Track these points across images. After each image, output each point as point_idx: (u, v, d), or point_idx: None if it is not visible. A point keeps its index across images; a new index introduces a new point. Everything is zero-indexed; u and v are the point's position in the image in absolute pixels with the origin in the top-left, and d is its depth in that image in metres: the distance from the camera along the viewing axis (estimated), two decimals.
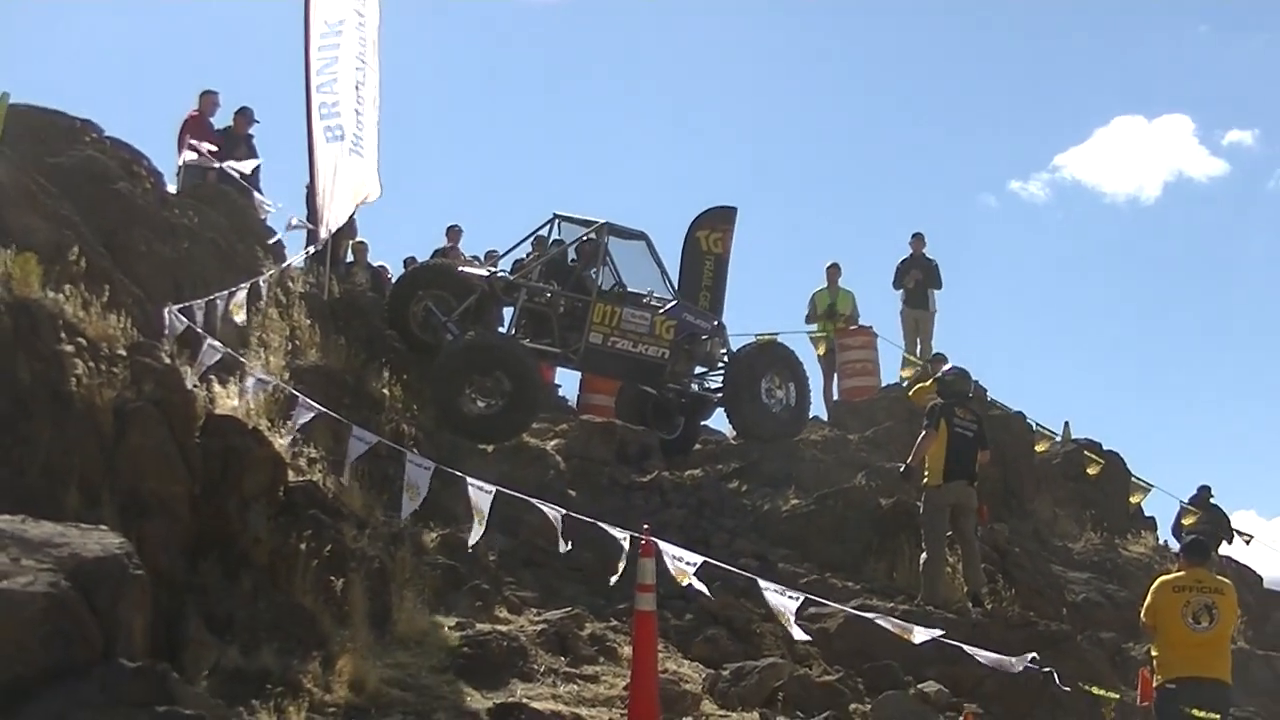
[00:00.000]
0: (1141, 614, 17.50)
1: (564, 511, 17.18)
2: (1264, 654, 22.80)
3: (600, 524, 16.85)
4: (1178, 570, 17.46)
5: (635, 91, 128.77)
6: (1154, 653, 17.05)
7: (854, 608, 18.25)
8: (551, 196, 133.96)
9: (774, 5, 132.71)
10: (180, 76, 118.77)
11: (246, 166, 27.33)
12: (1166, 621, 16.71)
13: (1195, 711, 16.15)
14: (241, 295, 20.92)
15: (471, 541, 16.81)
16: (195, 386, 16.64)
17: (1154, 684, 16.84)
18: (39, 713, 11.09)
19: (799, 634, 16.13)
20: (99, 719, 11.01)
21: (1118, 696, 17.18)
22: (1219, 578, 17.73)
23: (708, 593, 15.89)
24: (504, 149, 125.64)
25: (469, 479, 16.95)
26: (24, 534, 12.14)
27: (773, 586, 16.50)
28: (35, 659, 11.38)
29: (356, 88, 24.64)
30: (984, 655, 16.10)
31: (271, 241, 24.28)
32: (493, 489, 16.65)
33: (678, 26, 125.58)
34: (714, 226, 29.31)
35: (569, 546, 16.68)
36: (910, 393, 25.98)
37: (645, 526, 15.90)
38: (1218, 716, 16.31)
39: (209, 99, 28.24)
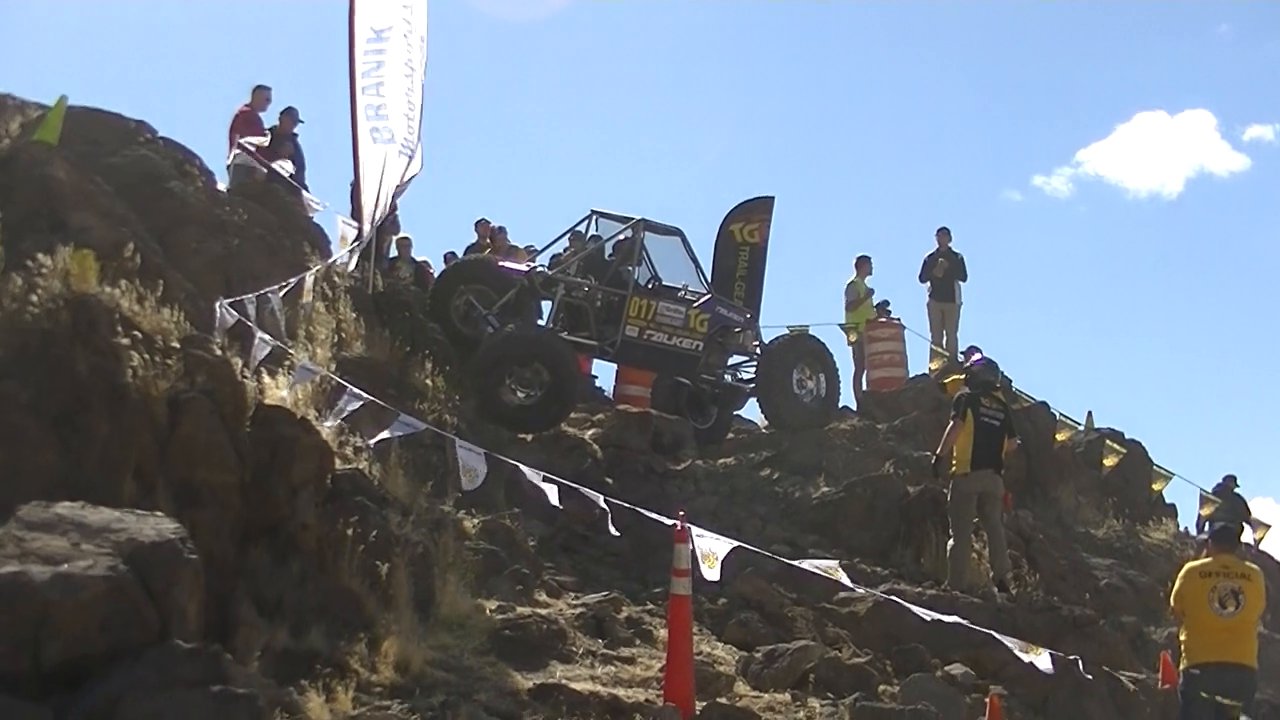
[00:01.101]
0: (1170, 599, 17.55)
1: (602, 498, 17.31)
2: None
3: (640, 509, 16.98)
4: (1206, 556, 17.47)
5: (665, 90, 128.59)
6: (1181, 637, 17.06)
7: (882, 593, 18.31)
8: (586, 192, 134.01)
9: (805, 4, 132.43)
10: (228, 77, 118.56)
11: (290, 167, 27.46)
12: (1193, 607, 16.75)
13: (1217, 698, 16.23)
14: (305, 281, 21.11)
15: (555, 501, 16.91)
16: (245, 378, 16.72)
17: (1179, 668, 16.89)
18: (98, 692, 11.19)
19: (845, 580, 16.44)
20: (155, 698, 11.10)
21: (1140, 679, 17.23)
22: (1247, 564, 17.68)
23: (714, 576, 15.88)
24: (541, 145, 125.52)
25: (521, 465, 17.11)
26: (83, 520, 12.25)
27: (810, 563, 16.75)
28: (94, 640, 11.49)
29: (406, 93, 24.73)
30: (1012, 642, 16.24)
31: (338, 265, 24.28)
32: (538, 473, 16.79)
33: (708, 25, 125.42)
34: (749, 218, 29.65)
35: (618, 534, 16.76)
36: (945, 383, 26.00)
37: (680, 514, 15.98)
38: (1240, 704, 16.38)
39: (261, 94, 28.36)
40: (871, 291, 33.89)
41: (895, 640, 18.39)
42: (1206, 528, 21.36)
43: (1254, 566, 17.85)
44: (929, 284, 33.43)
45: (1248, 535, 29.85)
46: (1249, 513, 31.58)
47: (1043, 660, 16.30)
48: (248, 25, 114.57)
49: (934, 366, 32.90)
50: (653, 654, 16.44)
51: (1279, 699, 19.74)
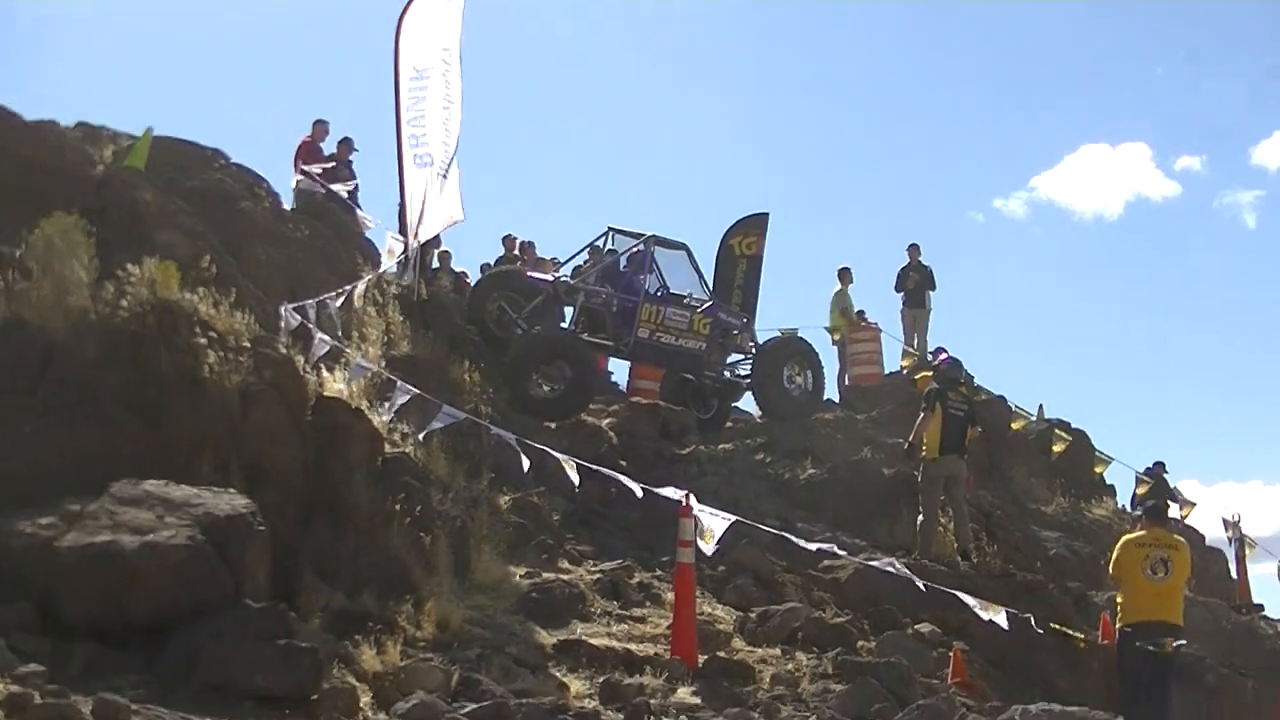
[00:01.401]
0: (1110, 567, 17.68)
1: (620, 477, 17.43)
2: (1204, 600, 22.83)
3: (652, 489, 17.08)
4: (1140, 530, 17.61)
5: (671, 120, 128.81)
6: (1118, 600, 17.20)
7: (861, 560, 18.38)
8: (601, 210, 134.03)
9: (785, 42, 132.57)
10: (292, 111, 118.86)
11: (346, 188, 27.64)
12: (1129, 574, 16.89)
13: (1149, 647, 16.39)
14: (358, 289, 21.23)
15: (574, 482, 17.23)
16: (306, 373, 16.79)
17: (1117, 626, 17.02)
18: (181, 643, 11.35)
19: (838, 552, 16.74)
20: (231, 649, 11.21)
21: (1083, 636, 17.32)
22: (1175, 536, 17.92)
23: (709, 550, 15.95)
24: (562, 167, 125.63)
25: (550, 450, 17.27)
26: (167, 496, 12.38)
27: (800, 540, 16.86)
28: (177, 598, 11.63)
29: (444, 124, 24.84)
30: (974, 602, 16.33)
31: (387, 275, 24.35)
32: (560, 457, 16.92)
33: (707, 69, 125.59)
34: (746, 232, 29.89)
35: (640, 494, 16.81)
36: (916, 379, 26.14)
37: (686, 492, 16.07)
38: (1169, 647, 16.55)
39: (320, 127, 28.54)
40: (850, 299, 34.00)
41: (872, 602, 18.45)
42: (1140, 506, 21.45)
43: (1181, 539, 18.11)
44: (902, 293, 33.52)
45: (1174, 512, 29.89)
46: (1176, 492, 31.64)
47: (1000, 617, 16.42)
48: (309, 65, 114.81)
49: (906, 364, 33.00)
50: (661, 614, 16.51)
51: (1200, 652, 19.76)
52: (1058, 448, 31.82)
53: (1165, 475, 31.82)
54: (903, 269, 33.58)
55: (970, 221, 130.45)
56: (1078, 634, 17.47)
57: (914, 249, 33.74)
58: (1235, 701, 19.49)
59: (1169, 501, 29.70)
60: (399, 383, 17.80)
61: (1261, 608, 26.84)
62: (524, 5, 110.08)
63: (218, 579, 12.03)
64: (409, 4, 24.77)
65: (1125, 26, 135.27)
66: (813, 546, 17.28)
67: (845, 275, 34.09)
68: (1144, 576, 16.72)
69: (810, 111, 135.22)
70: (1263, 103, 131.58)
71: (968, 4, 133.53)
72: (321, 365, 17.55)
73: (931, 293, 33.65)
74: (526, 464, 17.45)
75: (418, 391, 17.78)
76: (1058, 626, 17.50)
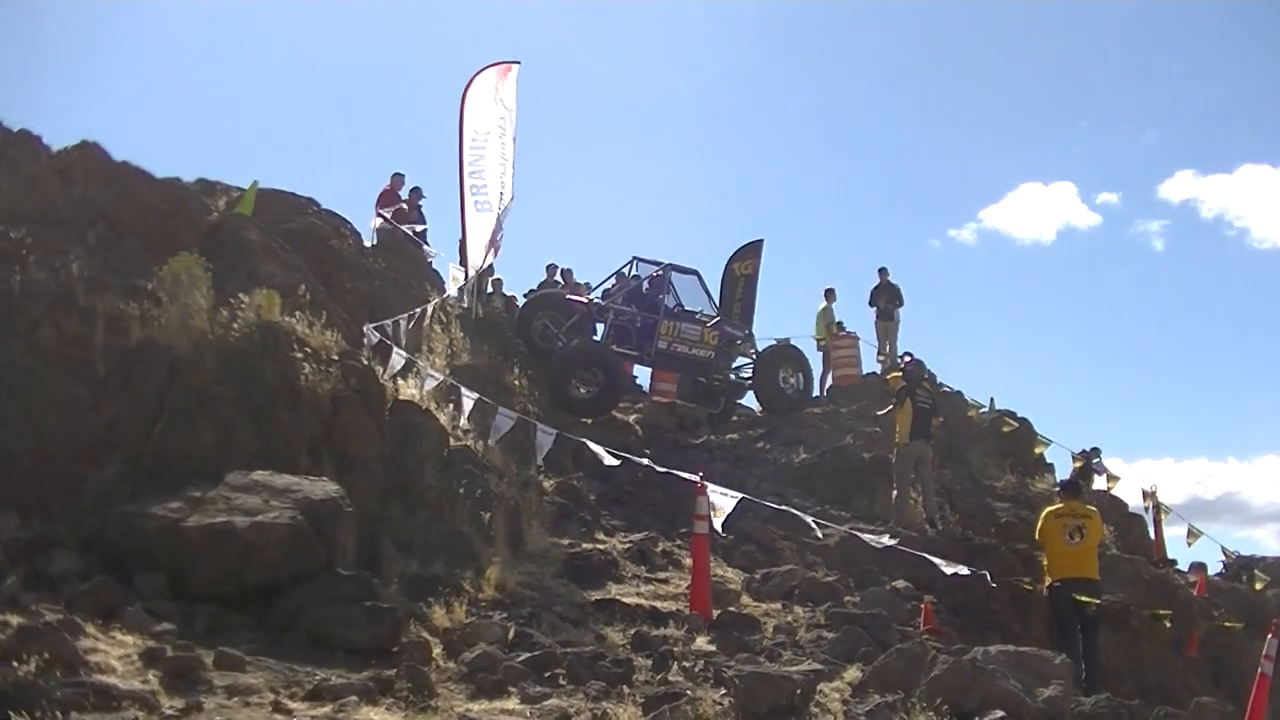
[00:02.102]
0: (1036, 534, 17.78)
1: (647, 463, 17.48)
2: (1128, 557, 22.74)
3: (672, 472, 17.11)
4: (1059, 503, 17.72)
5: (682, 166, 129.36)
6: (1044, 561, 17.32)
7: (847, 530, 18.34)
8: (626, 242, 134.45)
9: (777, 93, 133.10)
10: (374, 165, 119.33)
11: (416, 229, 27.73)
12: (1051, 540, 17.24)
13: (1077, 597, 16.47)
14: (427, 311, 21.28)
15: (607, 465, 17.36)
16: (385, 381, 16.82)
17: (1045, 582, 17.11)
18: (284, 604, 11.39)
19: (818, 531, 16.84)
20: (324, 609, 11.23)
21: (1032, 588, 17.33)
22: (1088, 506, 18.21)
23: (719, 524, 15.97)
24: (590, 203, 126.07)
25: (589, 442, 17.33)
26: (272, 484, 12.43)
27: (798, 512, 16.85)
28: (282, 568, 11.67)
29: (500, 176, 24.95)
30: (940, 561, 16.33)
31: (450, 299, 24.41)
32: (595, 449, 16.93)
33: (712, 120, 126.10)
34: (744, 257, 30.48)
35: (662, 470, 16.86)
36: (888, 379, 26.14)
37: (700, 474, 16.06)
38: (1097, 600, 16.67)
39: (398, 179, 28.60)
40: (832, 313, 33.95)
41: (855, 564, 18.38)
42: (1059, 483, 21.57)
43: (1092, 508, 18.40)
44: (875, 308, 33.49)
45: (1102, 484, 29.76)
46: (1104, 468, 31.53)
47: (962, 569, 16.46)
48: (388, 127, 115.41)
49: (880, 358, 33.00)
50: (681, 576, 16.46)
51: (1128, 600, 19.70)
52: (1005, 430, 31.84)
53: (1094, 462, 31.74)
54: (874, 288, 33.52)
55: (929, 248, 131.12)
56: (1025, 581, 17.50)
57: (883, 271, 33.69)
58: (1154, 640, 19.43)
59: (1095, 475, 29.85)
60: (462, 388, 17.83)
61: (1174, 563, 26.76)
62: (559, 73, 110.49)
63: (314, 552, 12.07)
64: (472, 80, 25.08)
65: (1055, 86, 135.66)
66: (807, 519, 17.24)
67: (830, 294, 34.19)
68: (1064, 541, 17.12)
69: (798, 154, 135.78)
70: (1168, 148, 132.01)
71: (926, 67, 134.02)
72: (397, 374, 17.57)
73: (899, 307, 33.59)
74: (539, 457, 17.80)
75: (478, 396, 17.82)
76: (1010, 579, 17.51)
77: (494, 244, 25.21)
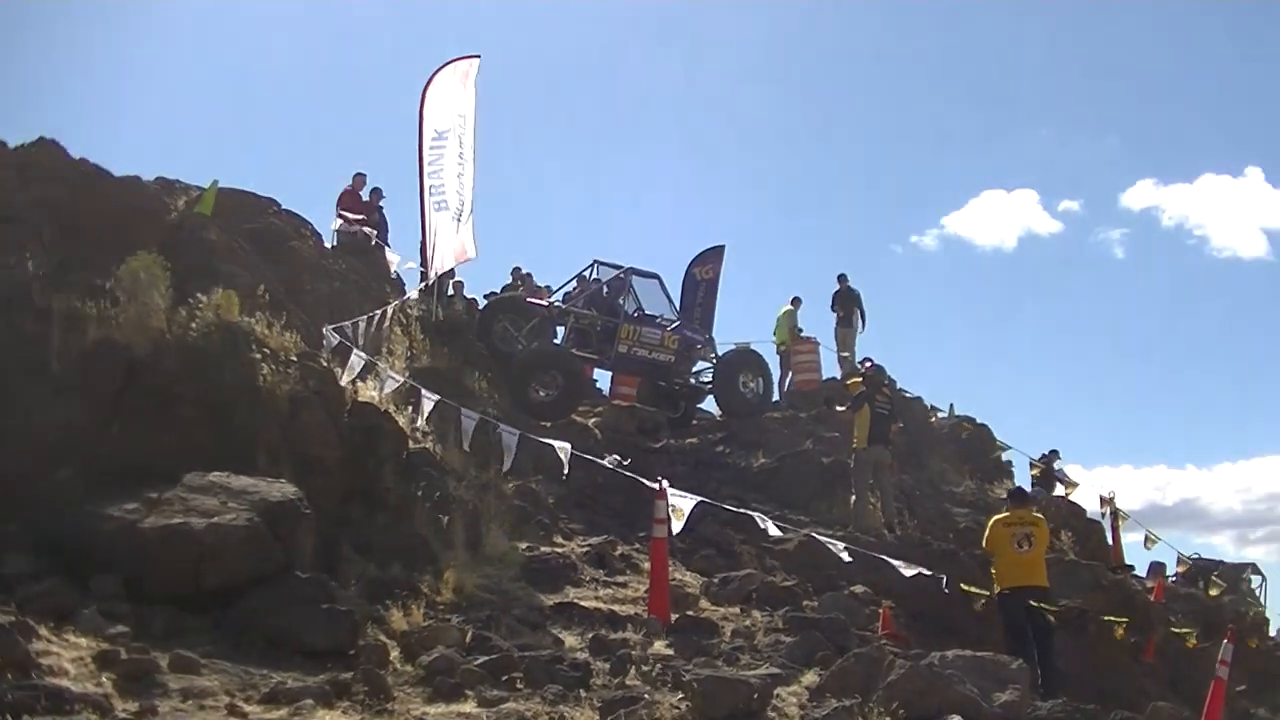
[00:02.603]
0: (984, 542, 17.81)
1: (614, 465, 17.54)
2: (1087, 563, 22.79)
3: (633, 475, 17.18)
4: (1006, 511, 17.76)
5: (643, 170, 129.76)
6: (994, 570, 17.33)
7: (805, 534, 18.35)
8: (588, 245, 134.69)
9: (738, 102, 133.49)
10: (333, 164, 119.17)
11: (376, 230, 27.75)
12: (1000, 548, 17.21)
13: (1035, 604, 16.56)
14: (387, 313, 21.28)
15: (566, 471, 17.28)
16: (345, 382, 16.80)
17: (995, 590, 17.13)
18: (242, 606, 11.40)
19: (774, 531, 17.08)
20: (282, 612, 11.25)
21: (986, 593, 17.34)
22: (1035, 514, 18.14)
23: (678, 529, 16.03)
24: (553, 206, 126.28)
25: (549, 440, 17.37)
26: (229, 485, 12.44)
27: (759, 515, 16.89)
28: (239, 570, 11.66)
29: (459, 176, 24.88)
30: (898, 563, 16.39)
31: (410, 301, 24.45)
32: (567, 444, 16.96)
33: (671, 125, 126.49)
34: (705, 261, 30.71)
35: (624, 460, 16.91)
36: (848, 384, 26.20)
37: (659, 478, 16.08)
38: (1054, 608, 16.75)
39: (359, 179, 28.73)
40: (794, 318, 33.97)
41: (815, 568, 18.41)
42: (1008, 491, 21.64)
43: (1039, 516, 18.33)
44: (836, 313, 33.51)
45: (1060, 490, 29.94)
46: (1063, 474, 31.65)
47: (922, 570, 16.58)
48: (348, 127, 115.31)
49: (844, 354, 33.07)
50: (640, 580, 16.49)
51: (1086, 605, 19.76)
52: (964, 435, 31.99)
53: (1055, 464, 31.88)
54: (835, 293, 33.53)
55: (891, 253, 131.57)
56: (982, 591, 17.52)
57: (842, 278, 33.67)
58: (1111, 645, 19.47)
59: (1058, 480, 29.99)
60: (422, 390, 17.81)
61: (1132, 568, 26.85)
62: (523, 78, 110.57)
63: (272, 554, 12.05)
64: (432, 78, 24.95)
65: (1018, 95, 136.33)
66: (766, 521, 17.25)
67: (796, 301, 34.26)
68: (1012, 550, 17.09)
69: (761, 159, 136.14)
70: (1129, 157, 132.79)
71: (889, 77, 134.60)
72: (357, 376, 17.54)
73: (859, 312, 33.62)
74: (508, 462, 17.68)
75: (439, 398, 17.80)
76: (966, 586, 17.54)
77: (460, 249, 25.19)
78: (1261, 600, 29.35)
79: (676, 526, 15.59)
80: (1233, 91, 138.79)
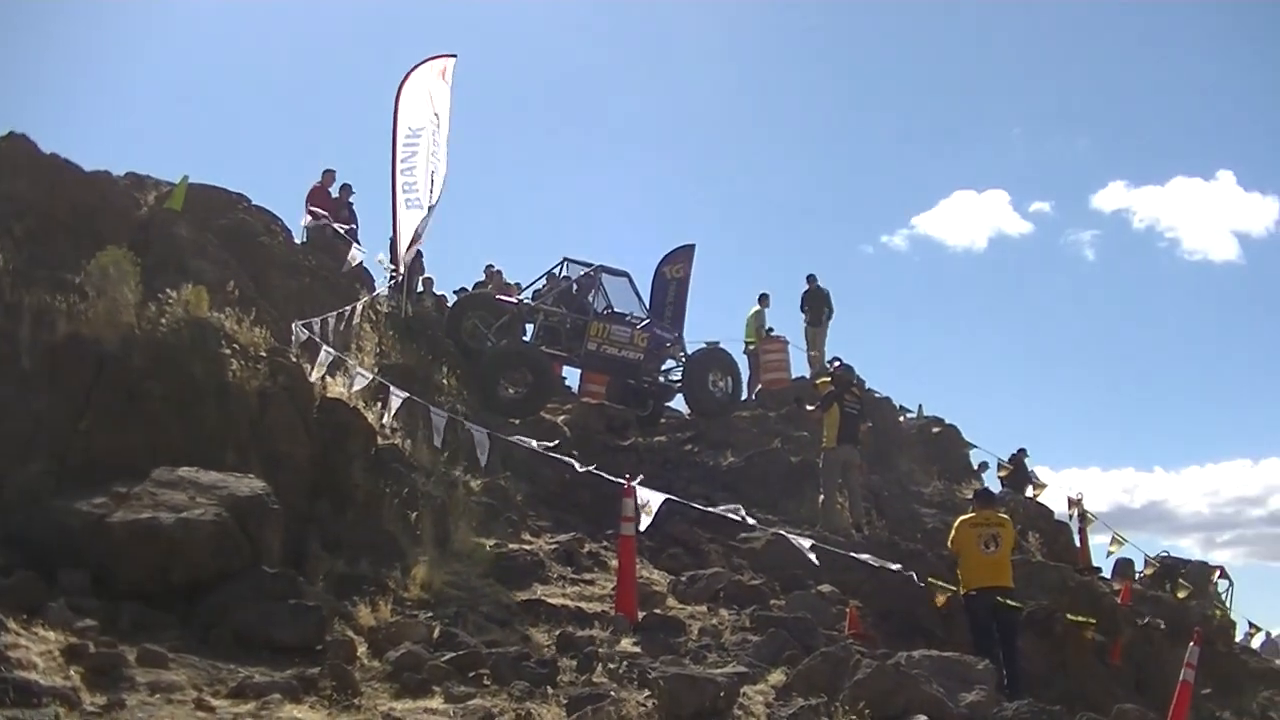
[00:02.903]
0: (949, 543, 17.89)
1: (579, 465, 17.58)
2: (1054, 564, 22.89)
3: (599, 473, 17.21)
4: (972, 512, 17.86)
5: (612, 168, 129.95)
6: (960, 571, 17.42)
7: (773, 533, 18.41)
8: (558, 237, 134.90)
9: (710, 96, 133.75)
10: (302, 161, 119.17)
11: (346, 227, 27.72)
12: (966, 549, 17.33)
13: (1001, 601, 16.69)
14: (356, 309, 21.33)
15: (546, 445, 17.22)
16: (314, 378, 16.83)
17: (961, 591, 17.21)
18: (210, 601, 11.46)
19: (751, 521, 17.52)
20: (250, 607, 11.30)
21: (954, 589, 17.43)
22: (1001, 514, 18.25)
23: (645, 523, 16.17)
24: (524, 203, 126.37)
25: (521, 439, 17.43)
26: (198, 480, 12.47)
27: (727, 508, 17.03)
28: (207, 566, 11.73)
29: (431, 174, 24.89)
30: (867, 557, 16.47)
31: (380, 296, 24.50)
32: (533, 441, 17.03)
33: (638, 124, 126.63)
34: (675, 260, 30.47)
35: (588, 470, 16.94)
36: (817, 384, 26.27)
37: (627, 476, 16.14)
38: (1019, 605, 16.90)
39: (329, 175, 28.77)
40: (762, 317, 34.04)
41: (782, 568, 18.46)
42: (973, 492, 21.70)
43: (1005, 516, 18.43)
44: (805, 313, 33.60)
45: (1029, 492, 30.10)
46: (1033, 475, 31.78)
47: (892, 566, 16.66)
48: (319, 124, 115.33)
49: (813, 353, 33.15)
50: (607, 578, 16.55)
51: (1053, 605, 19.86)
52: (935, 431, 32.18)
53: (1025, 460, 32.01)
54: (805, 293, 33.63)
55: (861, 253, 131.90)
56: (949, 587, 17.60)
57: (811, 278, 33.79)
58: (1078, 647, 19.55)
59: (1027, 484, 30.12)
60: (391, 387, 17.84)
61: (1099, 570, 26.96)
62: (495, 76, 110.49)
63: (240, 549, 12.10)
64: (407, 76, 25.03)
65: (989, 95, 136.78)
66: (751, 520, 17.33)
67: (764, 299, 34.32)
68: (979, 550, 17.21)
69: (731, 158, 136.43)
70: (1101, 159, 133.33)
71: (860, 77, 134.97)
72: (326, 372, 17.57)
73: (828, 314, 33.71)
74: (484, 459, 17.83)
75: (408, 395, 17.84)
76: (933, 581, 17.62)
77: (417, 237, 25.20)
78: (1228, 605, 29.45)
79: (645, 521, 15.68)
80: (1205, 94, 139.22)
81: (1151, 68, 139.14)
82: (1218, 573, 31.13)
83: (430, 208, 24.79)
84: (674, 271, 30.33)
